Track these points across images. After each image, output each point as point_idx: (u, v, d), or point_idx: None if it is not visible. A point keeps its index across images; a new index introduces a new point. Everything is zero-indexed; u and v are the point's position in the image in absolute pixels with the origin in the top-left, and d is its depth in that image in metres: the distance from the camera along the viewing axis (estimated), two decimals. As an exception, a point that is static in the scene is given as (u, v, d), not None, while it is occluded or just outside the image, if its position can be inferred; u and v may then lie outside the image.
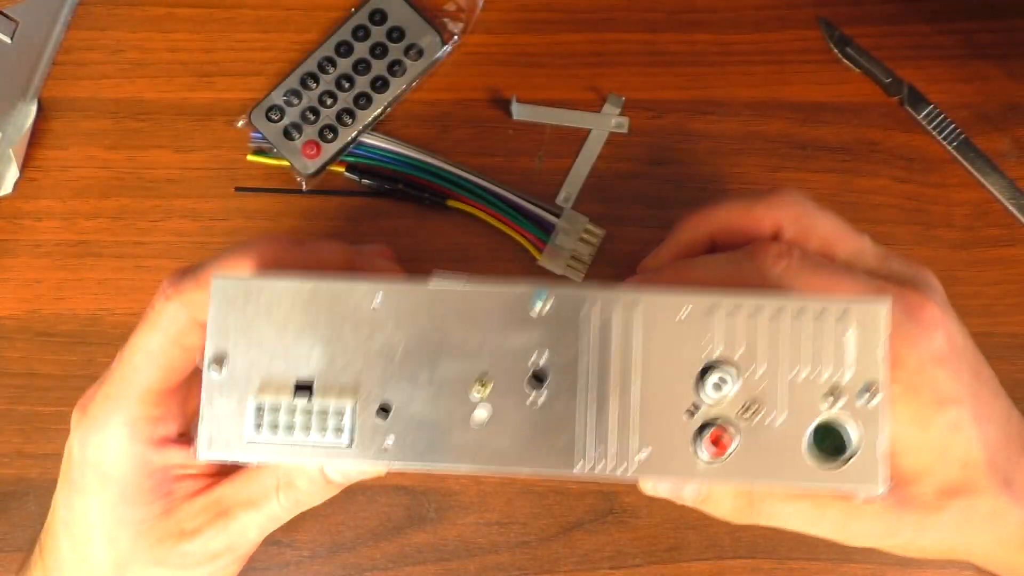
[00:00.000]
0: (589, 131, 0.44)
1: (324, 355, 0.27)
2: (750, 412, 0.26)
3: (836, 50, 0.44)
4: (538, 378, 0.27)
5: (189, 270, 0.30)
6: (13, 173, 0.44)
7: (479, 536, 0.41)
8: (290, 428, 0.26)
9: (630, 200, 0.43)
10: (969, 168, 0.43)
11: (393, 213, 0.44)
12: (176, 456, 0.30)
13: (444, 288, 0.27)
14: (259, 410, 0.26)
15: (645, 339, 0.26)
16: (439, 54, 0.44)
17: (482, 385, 0.26)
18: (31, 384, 0.43)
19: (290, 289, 0.27)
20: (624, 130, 0.44)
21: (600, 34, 0.45)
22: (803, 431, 0.26)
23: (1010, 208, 0.43)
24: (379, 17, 0.44)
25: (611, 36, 0.45)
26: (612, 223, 0.43)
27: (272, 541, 0.40)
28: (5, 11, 0.45)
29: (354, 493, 0.41)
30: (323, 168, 0.44)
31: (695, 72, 0.44)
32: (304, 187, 0.44)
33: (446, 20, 0.45)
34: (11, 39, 0.45)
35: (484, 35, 0.45)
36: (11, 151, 0.44)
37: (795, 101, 0.44)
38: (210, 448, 0.27)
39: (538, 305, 0.27)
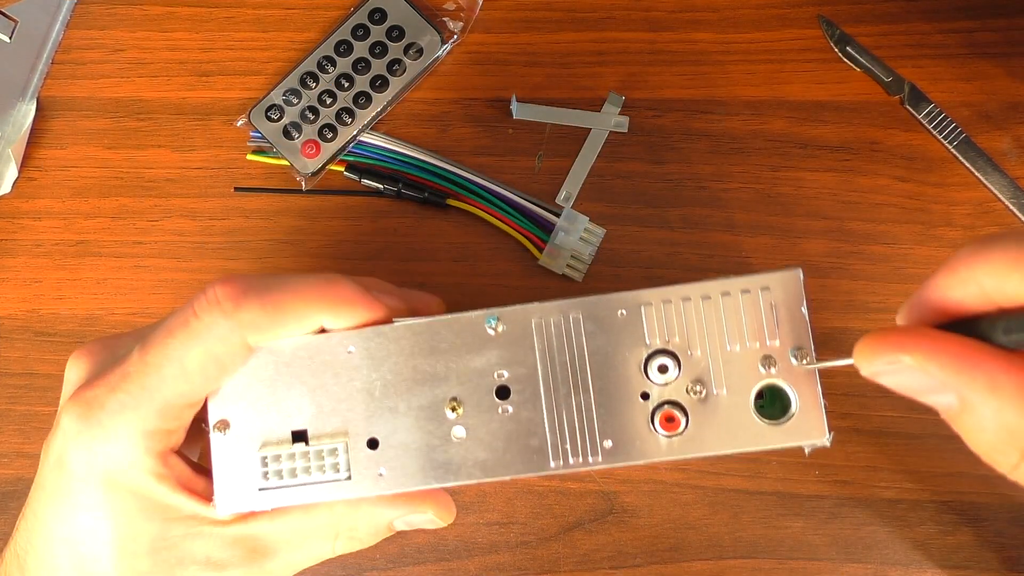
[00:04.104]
0: (589, 130, 0.44)
1: (312, 403, 0.30)
2: (697, 389, 0.29)
3: (836, 49, 0.44)
4: (503, 391, 0.30)
5: (251, 284, 0.27)
6: (12, 173, 0.44)
7: (479, 536, 0.41)
8: (294, 472, 0.30)
9: (630, 200, 0.43)
10: (970, 167, 0.43)
11: (393, 213, 0.44)
12: (187, 469, 0.29)
13: (405, 325, 0.30)
14: (264, 461, 0.30)
15: (591, 339, 0.30)
16: (439, 53, 0.44)
17: (455, 407, 0.30)
18: (30, 384, 0.43)
19: (273, 349, 0.30)
20: (624, 129, 0.44)
21: (600, 33, 0.45)
22: (747, 398, 0.29)
23: (1011, 207, 0.43)
24: (379, 16, 0.44)
25: (611, 35, 0.45)
26: (612, 223, 0.43)
27: (272, 541, 0.40)
28: (4, 10, 0.45)
29: (354, 493, 0.41)
30: (323, 168, 0.44)
31: (695, 71, 0.44)
32: (304, 187, 0.44)
33: (446, 19, 0.45)
34: (10, 38, 0.45)
35: (484, 34, 0.45)
36: (10, 151, 0.44)
37: (795, 100, 0.44)
38: (228, 500, 0.30)
39: (491, 327, 0.30)
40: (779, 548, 0.41)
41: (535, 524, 0.41)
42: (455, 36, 0.45)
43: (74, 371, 0.29)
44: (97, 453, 0.27)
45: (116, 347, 0.30)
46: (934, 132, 0.43)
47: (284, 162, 0.44)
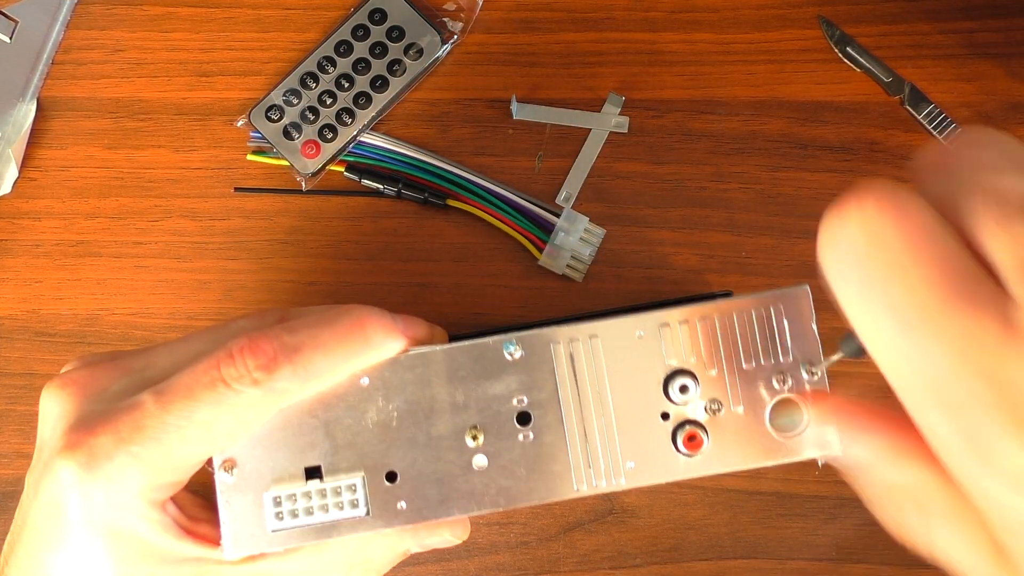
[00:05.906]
0: (589, 131, 0.44)
1: (326, 437, 0.29)
2: (714, 407, 0.29)
3: (837, 49, 0.44)
4: (524, 417, 0.29)
5: (280, 347, 0.27)
6: (12, 173, 0.44)
7: (479, 536, 0.41)
8: (309, 511, 0.29)
9: (630, 200, 0.43)
10: (970, 167, 0.43)
11: (393, 213, 0.44)
12: (184, 517, 0.29)
13: (420, 353, 0.29)
14: (276, 501, 0.28)
15: (610, 362, 0.30)
16: (439, 53, 0.44)
17: (475, 435, 0.29)
18: (30, 384, 0.43)
19: None
20: (624, 129, 0.44)
21: (600, 33, 0.45)
22: (763, 415, 0.30)
23: (1011, 208, 0.43)
24: (379, 16, 0.44)
25: (611, 35, 0.45)
26: (612, 223, 0.43)
27: (272, 541, 0.40)
28: (4, 10, 0.45)
29: (354, 493, 0.41)
30: (323, 168, 0.44)
31: (695, 71, 0.44)
32: (304, 187, 0.44)
33: (446, 19, 0.45)
34: (10, 39, 0.45)
35: (484, 34, 0.45)
36: (10, 151, 0.44)
37: (795, 100, 0.44)
38: (237, 545, 0.28)
39: (509, 352, 0.29)
40: (779, 548, 0.41)
41: (535, 524, 0.41)
42: (455, 36, 0.45)
43: (57, 406, 0.28)
44: (98, 503, 0.26)
45: (103, 382, 0.29)
46: (934, 132, 0.43)
47: (284, 162, 0.44)
